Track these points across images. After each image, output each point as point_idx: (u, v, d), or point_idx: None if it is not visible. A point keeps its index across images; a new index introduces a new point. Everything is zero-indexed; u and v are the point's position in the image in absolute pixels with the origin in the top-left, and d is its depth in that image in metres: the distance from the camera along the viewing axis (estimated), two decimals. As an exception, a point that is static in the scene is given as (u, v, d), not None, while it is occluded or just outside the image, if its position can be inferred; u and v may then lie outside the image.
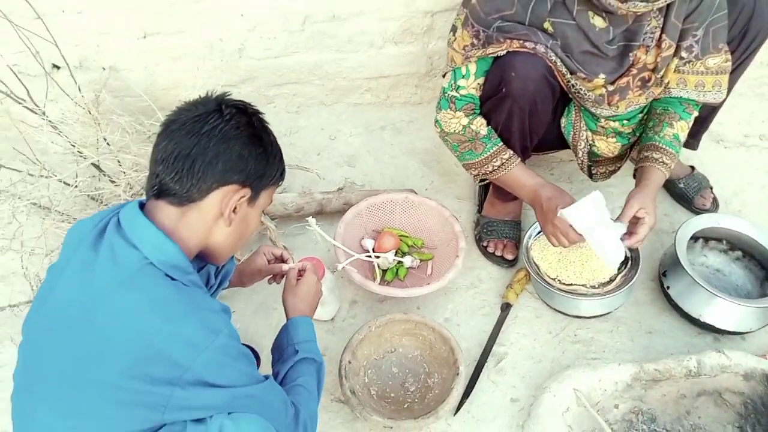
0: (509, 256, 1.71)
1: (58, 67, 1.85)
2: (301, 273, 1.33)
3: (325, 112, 2.09)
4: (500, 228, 1.73)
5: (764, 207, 1.82)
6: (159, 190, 1.00)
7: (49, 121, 1.67)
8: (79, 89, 1.78)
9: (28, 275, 1.57)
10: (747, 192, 1.87)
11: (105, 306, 0.93)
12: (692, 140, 1.79)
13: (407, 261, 1.64)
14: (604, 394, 1.45)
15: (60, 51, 1.72)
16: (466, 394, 1.45)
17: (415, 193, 1.77)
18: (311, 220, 1.56)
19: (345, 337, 1.48)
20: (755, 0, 1.51)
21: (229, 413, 0.94)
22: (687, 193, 1.83)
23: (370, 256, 1.61)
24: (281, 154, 1.10)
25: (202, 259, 1.08)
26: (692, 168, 1.88)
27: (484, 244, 1.74)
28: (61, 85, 1.76)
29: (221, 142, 0.99)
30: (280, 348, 1.19)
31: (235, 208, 1.02)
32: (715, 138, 2.04)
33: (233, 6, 1.77)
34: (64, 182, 1.61)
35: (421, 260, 1.68)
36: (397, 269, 1.65)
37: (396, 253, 1.66)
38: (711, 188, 1.85)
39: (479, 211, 1.82)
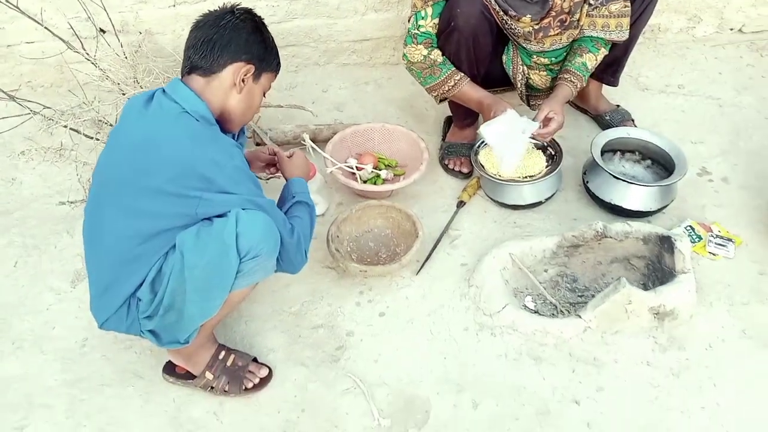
0: (465, 170, 2.13)
1: (104, 31, 2.30)
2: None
3: (319, 71, 2.55)
4: (458, 149, 2.16)
5: (676, 135, 2.23)
6: (190, 67, 1.43)
7: (100, 68, 2.12)
8: (122, 46, 2.24)
9: (81, 180, 2.00)
10: (663, 125, 2.28)
11: (155, 136, 1.36)
12: (612, 78, 2.21)
13: (383, 173, 2.06)
14: (534, 259, 1.85)
15: (108, 16, 2.19)
16: (426, 260, 1.85)
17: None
18: (305, 135, 1.99)
19: (332, 222, 1.89)
20: (647, -39, 1.97)
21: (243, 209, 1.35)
22: (612, 123, 2.25)
23: (351, 167, 2.03)
24: (277, 48, 1.53)
25: (221, 127, 1.50)
26: (618, 105, 2.31)
27: (446, 162, 2.16)
28: (105, 46, 2.23)
29: (233, 30, 1.43)
30: (282, 200, 1.60)
31: (244, 79, 1.45)
32: (641, 87, 2.47)
33: None
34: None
35: (394, 174, 2.09)
36: (375, 180, 2.07)
37: (374, 168, 2.08)
38: (633, 120, 2.27)
39: (443, 139, 2.25)
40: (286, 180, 1.66)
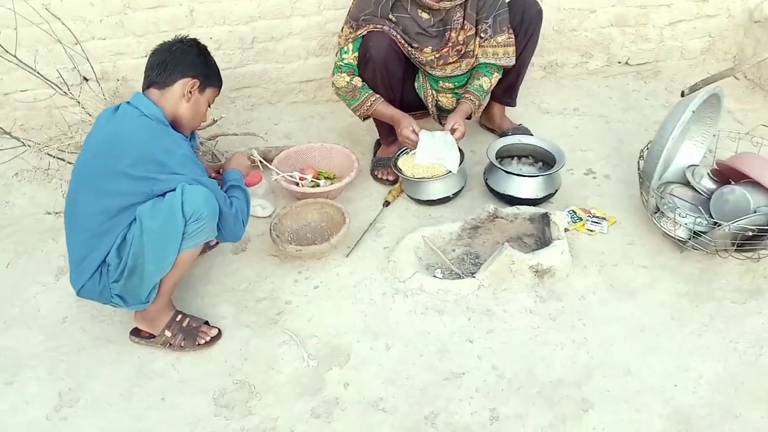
0: (391, 177, 2.53)
1: (87, 79, 2.74)
2: None
3: (271, 108, 2.99)
4: (385, 162, 2.57)
5: (569, 145, 2.66)
6: (149, 83, 1.85)
7: (83, 107, 2.54)
8: (103, 91, 2.67)
9: (65, 195, 2.37)
10: (559, 139, 2.68)
11: (120, 131, 1.76)
12: (510, 100, 2.67)
13: (322, 182, 2.46)
14: (443, 241, 2.23)
15: (91, 65, 2.64)
16: (355, 245, 2.22)
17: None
18: (254, 150, 2.39)
19: (275, 218, 2.27)
20: (524, 3, 2.46)
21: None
22: (514, 137, 2.69)
23: (293, 176, 2.43)
24: (218, 69, 1.96)
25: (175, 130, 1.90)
26: (519, 124, 2.75)
27: (375, 173, 2.57)
28: (88, 90, 2.66)
29: (182, 54, 1.86)
30: (221, 185, 1.97)
31: (191, 91, 1.86)
32: (543, 111, 2.93)
33: (205, 32, 2.70)
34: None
35: (331, 183, 2.49)
36: (315, 186, 2.45)
37: (314, 178, 2.47)
38: (531, 135, 2.71)
39: (374, 156, 2.66)
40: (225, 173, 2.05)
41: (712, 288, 2.03)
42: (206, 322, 1.96)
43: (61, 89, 2.55)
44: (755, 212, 1.96)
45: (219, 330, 1.95)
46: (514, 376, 1.79)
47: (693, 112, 2.01)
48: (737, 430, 1.64)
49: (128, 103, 1.82)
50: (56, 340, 1.96)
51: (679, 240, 2.10)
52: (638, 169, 2.18)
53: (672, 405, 1.70)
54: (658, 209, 2.14)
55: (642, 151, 2.21)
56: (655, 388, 1.75)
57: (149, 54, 1.88)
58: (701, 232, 2.02)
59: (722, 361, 1.81)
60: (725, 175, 2.16)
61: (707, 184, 2.19)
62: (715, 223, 1.97)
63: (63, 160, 2.50)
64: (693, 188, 2.22)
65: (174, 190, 1.70)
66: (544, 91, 3.04)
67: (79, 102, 2.54)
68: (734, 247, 2.00)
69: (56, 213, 2.38)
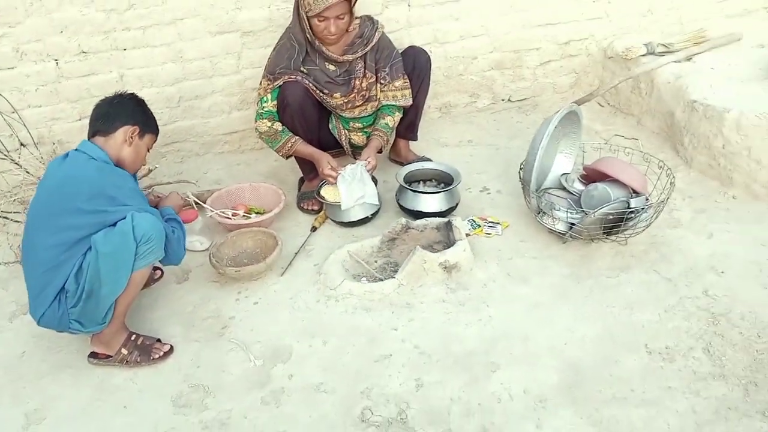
0: (315, 207, 2.85)
1: (24, 145, 2.94)
2: None
3: (200, 160, 3.28)
4: (309, 194, 2.89)
5: (466, 169, 3.07)
6: (94, 131, 2.12)
7: (25, 170, 2.75)
8: (41, 157, 2.88)
9: (13, 247, 2.55)
10: (457, 165, 3.12)
11: (72, 173, 2.00)
12: (411, 134, 3.08)
13: (253, 216, 2.74)
14: (366, 254, 2.55)
15: (29, 131, 2.86)
16: (288, 265, 2.50)
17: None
18: (188, 192, 2.66)
19: (214, 248, 2.53)
20: (415, 52, 2.91)
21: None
22: (419, 166, 3.09)
23: (225, 213, 2.70)
24: (155, 118, 2.25)
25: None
26: (423, 156, 3.16)
27: (302, 205, 2.89)
28: (27, 155, 2.86)
29: (121, 105, 2.15)
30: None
31: (132, 137, 2.14)
32: (441, 144, 3.36)
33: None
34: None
35: (259, 214, 2.77)
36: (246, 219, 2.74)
37: (245, 213, 2.76)
38: (430, 160, 3.12)
39: (299, 191, 2.98)
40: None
41: (590, 269, 2.44)
42: (158, 340, 2.17)
43: (1, 154, 2.74)
44: (614, 201, 2.41)
45: (171, 346, 2.16)
46: (433, 352, 2.10)
47: (555, 126, 2.47)
48: (616, 371, 2.01)
49: (76, 149, 2.08)
50: (17, 372, 2.11)
51: (559, 233, 2.52)
52: (519, 178, 2.60)
53: (563, 359, 2.06)
54: (540, 210, 2.57)
55: (521, 164, 2.64)
56: (548, 347, 2.10)
57: (93, 107, 2.16)
58: (575, 224, 2.44)
59: (601, 321, 2.20)
60: (591, 177, 2.62)
61: (578, 186, 2.64)
62: (584, 212, 2.41)
63: (7, 218, 2.67)
64: (568, 191, 2.66)
65: (124, 218, 1.96)
66: (441, 128, 3.49)
67: (20, 165, 2.74)
68: (603, 233, 2.44)
69: (5, 264, 2.54)
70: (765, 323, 2.15)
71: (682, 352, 2.07)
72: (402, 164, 3.16)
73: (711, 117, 2.83)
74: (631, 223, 2.41)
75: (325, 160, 2.69)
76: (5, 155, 2.75)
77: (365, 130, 2.91)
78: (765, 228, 2.60)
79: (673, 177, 2.49)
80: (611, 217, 2.36)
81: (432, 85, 3.35)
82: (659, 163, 2.59)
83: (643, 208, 2.40)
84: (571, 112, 2.62)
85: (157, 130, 2.28)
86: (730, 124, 2.75)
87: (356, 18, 2.78)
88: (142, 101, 2.25)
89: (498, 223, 2.68)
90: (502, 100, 3.64)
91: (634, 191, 2.47)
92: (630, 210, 2.36)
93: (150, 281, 2.46)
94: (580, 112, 2.65)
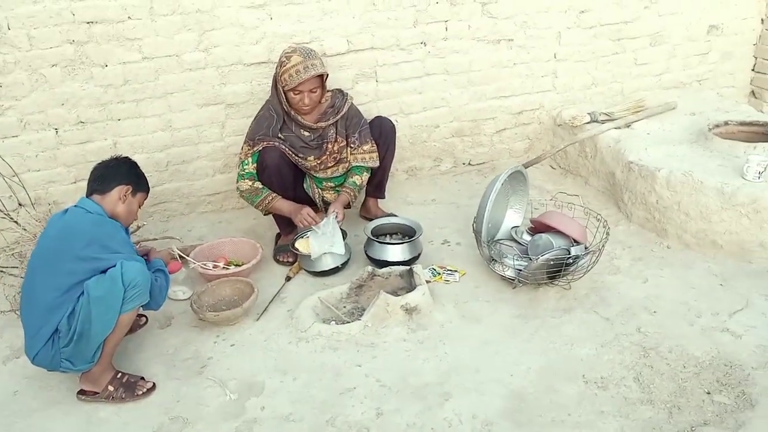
0: (291, 259, 3.11)
1: (22, 205, 3.20)
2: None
3: (185, 219, 3.55)
4: (285, 248, 3.15)
5: (429, 225, 3.37)
6: (92, 191, 2.39)
7: (23, 228, 3.00)
8: (37, 217, 3.13)
9: (9, 298, 2.76)
10: (421, 221, 3.42)
11: (71, 224, 2.26)
12: (379, 193, 3.40)
13: (231, 268, 2.99)
14: (335, 299, 2.80)
15: (27, 193, 3.13)
16: (264, 311, 2.74)
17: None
18: (174, 246, 2.91)
19: (195, 296, 2.76)
20: (381, 121, 3.26)
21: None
22: (387, 222, 3.38)
23: (206, 265, 2.95)
24: (146, 179, 2.53)
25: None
26: (391, 213, 3.45)
27: (278, 257, 3.15)
28: (24, 214, 3.12)
29: (116, 168, 2.43)
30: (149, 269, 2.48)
31: (126, 195, 2.42)
32: (408, 203, 3.67)
33: (126, 160, 3.29)
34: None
35: (237, 266, 3.02)
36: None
37: (225, 265, 3.01)
38: (396, 216, 3.40)
39: (275, 244, 3.25)
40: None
41: (537, 310, 2.70)
42: (142, 378, 2.37)
43: (1, 213, 3.00)
44: (555, 249, 2.70)
45: (154, 383, 2.36)
46: (393, 384, 2.32)
47: (502, 184, 2.79)
48: (555, 398, 2.24)
49: (76, 205, 2.35)
50: (10, 409, 2.29)
51: (509, 278, 2.79)
52: (473, 231, 2.89)
53: (509, 388, 2.29)
54: (492, 258, 2.85)
55: (474, 218, 2.93)
56: (496, 379, 2.33)
57: (92, 170, 2.44)
58: (522, 270, 2.72)
59: (544, 355, 2.44)
60: (538, 229, 2.92)
61: (526, 237, 2.94)
62: (528, 259, 2.69)
63: (3, 271, 2.90)
64: (517, 242, 2.96)
65: (114, 265, 2.21)
66: (408, 189, 3.81)
67: (18, 223, 3.00)
68: (547, 278, 2.71)
69: (1, 312, 2.75)
70: (689, 355, 2.41)
71: (615, 381, 2.31)
72: (371, 220, 3.46)
73: (645, 176, 3.18)
74: (571, 269, 2.69)
75: (300, 209, 2.97)
76: (5, 214, 3.00)
77: (337, 188, 3.22)
78: (694, 273, 2.90)
79: (608, 228, 2.80)
80: (552, 263, 2.64)
81: (398, 150, 3.70)
82: (597, 216, 2.91)
83: (580, 255, 2.69)
84: (518, 172, 2.95)
85: (148, 188, 2.56)
86: (661, 181, 3.09)
87: (328, 91, 3.14)
88: (135, 163, 2.54)
89: (456, 271, 2.95)
90: (463, 163, 3.98)
91: (575, 241, 2.76)
92: (569, 257, 2.65)
93: (136, 327, 2.68)
94: (525, 172, 2.99)
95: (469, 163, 3.99)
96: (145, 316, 2.73)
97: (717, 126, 3.46)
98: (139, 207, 2.54)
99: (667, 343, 2.47)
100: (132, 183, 2.45)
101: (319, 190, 3.22)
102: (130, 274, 2.18)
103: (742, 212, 2.89)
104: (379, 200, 3.46)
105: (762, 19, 4.31)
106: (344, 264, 3.01)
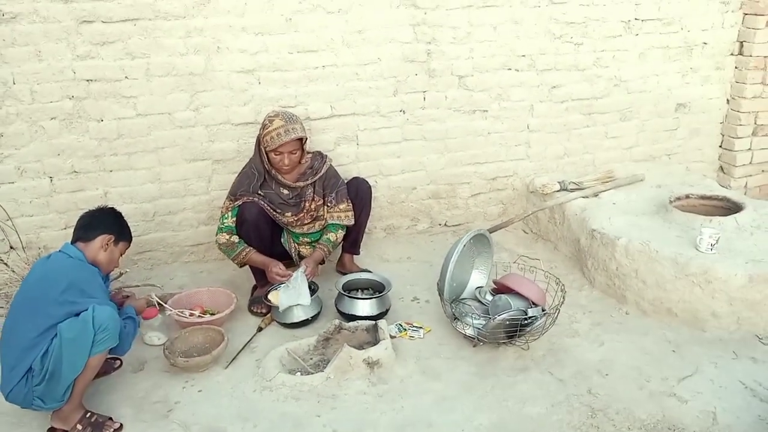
0: (264, 310, 3.24)
1: (13, 248, 3.35)
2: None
3: (168, 267, 3.69)
4: (259, 299, 3.29)
5: (401, 282, 3.51)
6: (76, 238, 2.56)
7: (12, 270, 3.15)
8: (27, 260, 3.29)
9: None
10: (395, 278, 3.56)
11: (53, 269, 2.41)
12: (354, 249, 3.56)
13: (206, 317, 3.12)
14: (303, 351, 2.91)
15: (19, 236, 3.29)
16: (233, 359, 2.85)
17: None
18: (152, 294, 3.06)
19: (169, 343, 2.88)
20: (358, 182, 3.45)
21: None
22: (360, 278, 3.53)
23: (183, 313, 3.08)
24: (130, 229, 2.70)
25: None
26: (366, 269, 3.60)
27: (252, 308, 3.28)
28: (15, 257, 3.27)
29: (101, 217, 2.61)
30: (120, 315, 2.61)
31: (108, 244, 2.58)
32: (384, 260, 3.82)
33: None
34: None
35: (212, 315, 3.15)
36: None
37: (200, 313, 3.14)
38: (370, 272, 3.55)
39: (251, 295, 3.38)
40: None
41: (494, 368, 2.82)
42: (110, 418, 2.47)
43: (-5, 256, 3.16)
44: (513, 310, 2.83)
45: (121, 424, 2.47)
46: (349, 435, 2.43)
47: (465, 246, 2.95)
48: (503, 455, 2.34)
49: (59, 251, 2.51)
50: (-20, 445, 2.39)
51: (470, 337, 2.91)
52: (437, 290, 3.04)
53: (459, 443, 2.39)
54: (454, 317, 2.98)
55: (439, 278, 3.08)
56: (448, 433, 2.44)
57: (78, 218, 2.61)
58: (480, 328, 2.85)
59: (497, 413, 2.55)
60: (501, 290, 3.06)
61: (489, 297, 3.08)
62: (486, 318, 2.83)
63: (-12, 311, 3.04)
64: (480, 302, 3.10)
65: (87, 309, 2.34)
66: (385, 246, 3.97)
67: (7, 265, 3.15)
68: (506, 337, 2.84)
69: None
70: (635, 417, 2.51)
71: (562, 439, 2.41)
72: (346, 275, 3.61)
73: (606, 243, 3.34)
74: (528, 329, 2.82)
75: (274, 264, 3.13)
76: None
77: (312, 244, 3.38)
78: (649, 339, 3.02)
79: (565, 292, 2.95)
80: (509, 323, 2.78)
81: (377, 209, 3.89)
82: (556, 280, 3.05)
83: (537, 317, 2.82)
84: (482, 236, 3.12)
85: (131, 238, 2.72)
86: (620, 250, 3.26)
87: (308, 153, 3.34)
88: (120, 214, 2.71)
89: (421, 328, 3.08)
90: (439, 224, 4.16)
91: (533, 302, 2.90)
92: (525, 317, 2.78)
93: (110, 370, 2.79)
94: (489, 235, 3.16)
95: (446, 224, 4.16)
96: (120, 360, 2.85)
97: (678, 199, 3.65)
98: (121, 255, 2.69)
99: (615, 405, 2.58)
100: (115, 233, 2.61)
101: (296, 244, 3.38)
102: (101, 318, 2.32)
103: (694, 282, 3.04)
104: (354, 256, 3.62)
105: (728, 99, 4.56)
106: (314, 317, 3.14)
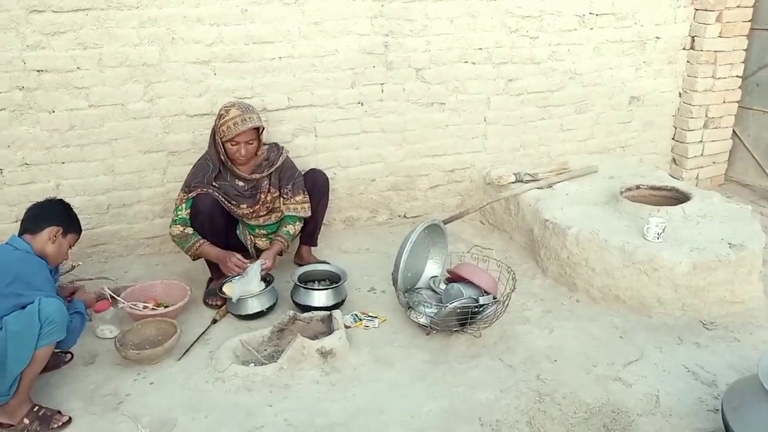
0: (218, 303, 3.23)
1: None
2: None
3: (122, 260, 3.66)
4: (214, 291, 3.28)
5: (360, 272, 3.54)
6: (23, 229, 2.52)
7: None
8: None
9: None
10: (352, 269, 3.57)
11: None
12: (311, 240, 3.57)
13: (159, 309, 3.10)
14: (257, 343, 2.92)
15: None
16: (186, 352, 2.85)
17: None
18: (105, 286, 3.03)
19: (121, 335, 2.87)
20: (315, 174, 3.46)
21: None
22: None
23: (136, 305, 3.06)
24: (78, 220, 2.67)
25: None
26: (324, 260, 3.61)
27: (207, 300, 3.27)
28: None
29: (49, 209, 2.58)
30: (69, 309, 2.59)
31: (56, 236, 2.55)
32: (343, 251, 3.84)
33: (69, 201, 3.40)
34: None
35: (165, 307, 3.13)
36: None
37: (154, 306, 3.12)
38: (328, 263, 3.56)
39: (207, 288, 3.38)
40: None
41: (447, 356, 2.86)
42: (59, 412, 2.45)
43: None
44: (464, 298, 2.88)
45: (70, 417, 2.45)
46: (299, 424, 2.45)
47: (418, 235, 2.99)
48: (452, 439, 2.39)
49: (6, 243, 2.48)
50: (-77, 440, 2.35)
51: (423, 325, 2.95)
52: (392, 280, 3.07)
53: (408, 429, 2.43)
54: (409, 306, 3.02)
55: (393, 269, 3.11)
56: (398, 420, 2.47)
57: (26, 210, 2.58)
58: (433, 317, 2.89)
59: (447, 399, 2.59)
60: (454, 279, 3.11)
61: (443, 286, 3.12)
62: (438, 307, 2.87)
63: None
64: (434, 291, 3.14)
65: (33, 302, 2.32)
66: (344, 238, 4.00)
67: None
68: (459, 325, 2.89)
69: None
70: (581, 401, 2.58)
71: (509, 424, 2.46)
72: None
73: (558, 233, 3.41)
74: (479, 317, 2.87)
75: (229, 256, 3.13)
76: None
77: (269, 236, 3.38)
78: (597, 326, 3.10)
79: (515, 280, 3.01)
80: (460, 311, 2.82)
81: (336, 201, 3.91)
82: (508, 269, 3.11)
83: (487, 304, 2.87)
84: (437, 226, 3.16)
85: (80, 230, 2.69)
86: (571, 239, 3.33)
87: (265, 144, 3.34)
88: (68, 205, 2.68)
89: (376, 317, 3.11)
90: (399, 216, 4.19)
91: (485, 291, 2.95)
92: (476, 305, 2.83)
93: (60, 363, 2.76)
94: (443, 226, 3.20)
95: (405, 216, 4.20)
96: (71, 353, 2.82)
97: (629, 189, 3.74)
98: (70, 247, 2.67)
99: (562, 390, 2.64)
100: (63, 224, 2.59)
101: (252, 236, 3.38)
102: (47, 311, 2.29)
103: (641, 270, 3.12)
104: (312, 248, 3.63)
105: (680, 93, 4.68)
106: (270, 309, 3.14)
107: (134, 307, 3.04)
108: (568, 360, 2.84)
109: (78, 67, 3.29)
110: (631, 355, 2.89)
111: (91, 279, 3.31)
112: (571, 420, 2.49)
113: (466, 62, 3.97)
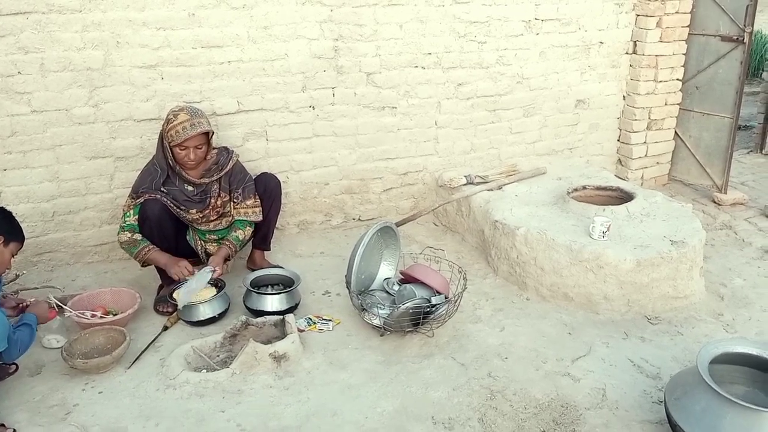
0: (170, 309, 3.18)
1: None
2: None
3: (70, 268, 3.57)
4: (164, 298, 3.23)
5: (315, 276, 3.54)
6: None
7: None
8: None
9: None
10: (306, 272, 3.58)
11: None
12: (264, 245, 3.55)
13: (108, 317, 3.04)
14: (209, 349, 2.89)
15: None
16: (136, 360, 2.80)
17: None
18: (50, 295, 2.95)
19: (68, 345, 2.80)
20: (266, 177, 3.45)
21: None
22: (271, 274, 3.53)
23: (84, 314, 2.99)
24: (21, 229, 2.61)
25: None
26: (279, 265, 3.60)
27: (157, 307, 3.22)
28: None
29: None
30: (18, 321, 2.52)
31: None
32: (297, 255, 3.83)
33: (12, 209, 3.28)
34: None
35: (114, 315, 3.07)
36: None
37: (103, 314, 3.06)
38: (281, 267, 3.55)
39: (157, 295, 3.32)
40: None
41: (400, 356, 2.89)
42: (2, 425, 2.38)
43: None
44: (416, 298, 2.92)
45: (14, 430, 2.38)
46: (253, 429, 2.44)
47: (370, 238, 3.01)
48: (405, 438, 2.42)
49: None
50: None
51: (377, 327, 2.98)
52: (345, 282, 3.09)
53: (362, 430, 2.44)
54: (362, 308, 3.04)
55: (347, 271, 3.13)
56: (352, 421, 2.49)
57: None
58: (386, 318, 2.92)
59: (400, 399, 2.62)
60: (407, 280, 3.14)
61: (396, 288, 3.15)
62: (390, 308, 2.90)
63: None
64: (388, 293, 3.17)
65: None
66: (298, 242, 3.99)
67: None
68: (412, 325, 2.92)
69: None
70: (531, 397, 2.64)
71: (461, 421, 2.51)
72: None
73: (507, 233, 3.49)
74: (431, 317, 2.91)
75: (176, 263, 3.09)
76: None
77: (220, 241, 3.36)
78: (547, 323, 3.18)
79: (466, 280, 3.06)
80: (412, 311, 2.86)
81: (290, 205, 3.91)
82: (459, 269, 3.16)
83: (439, 304, 2.91)
84: (389, 228, 3.19)
85: (23, 239, 2.62)
86: (520, 239, 3.41)
87: (214, 148, 3.31)
88: (9, 213, 2.61)
89: (330, 320, 3.12)
90: (353, 219, 4.21)
91: (437, 291, 3.00)
92: (427, 305, 2.87)
93: (5, 375, 2.67)
94: (395, 228, 3.23)
95: (359, 219, 4.22)
96: (16, 365, 2.73)
97: (576, 190, 3.85)
98: (12, 257, 2.59)
99: (512, 387, 2.70)
100: (4, 233, 2.52)
101: (202, 242, 3.34)
102: None
103: (588, 267, 3.22)
104: (265, 252, 3.61)
105: (624, 96, 4.83)
106: (222, 314, 3.12)
107: (82, 315, 2.97)
108: (518, 357, 2.90)
109: (19, 72, 3.20)
110: (579, 350, 2.97)
111: (37, 288, 3.23)
112: (522, 415, 2.55)
113: (416, 67, 4.02)
